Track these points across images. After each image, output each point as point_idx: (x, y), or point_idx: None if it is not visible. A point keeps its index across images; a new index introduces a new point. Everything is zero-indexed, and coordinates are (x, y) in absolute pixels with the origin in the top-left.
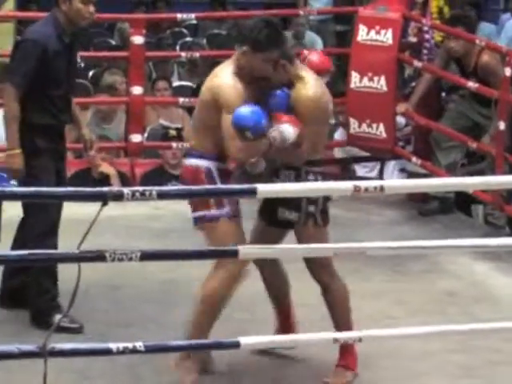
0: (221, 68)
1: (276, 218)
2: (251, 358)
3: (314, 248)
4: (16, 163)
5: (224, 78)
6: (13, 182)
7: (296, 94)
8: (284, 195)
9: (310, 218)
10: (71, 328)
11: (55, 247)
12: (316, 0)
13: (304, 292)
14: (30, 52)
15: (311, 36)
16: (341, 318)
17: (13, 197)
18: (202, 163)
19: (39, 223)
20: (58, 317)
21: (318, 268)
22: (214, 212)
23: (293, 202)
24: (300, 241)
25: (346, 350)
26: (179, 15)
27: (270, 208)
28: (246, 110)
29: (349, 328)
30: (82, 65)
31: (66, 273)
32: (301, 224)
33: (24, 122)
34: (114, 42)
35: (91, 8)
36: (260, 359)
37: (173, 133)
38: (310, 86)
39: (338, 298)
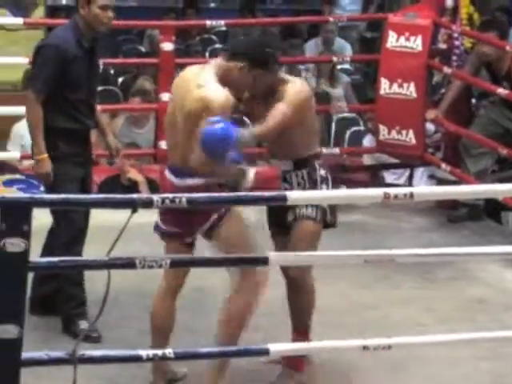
0: (200, 76)
1: (284, 221)
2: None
3: (344, 255)
4: (44, 168)
5: (214, 89)
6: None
7: (282, 93)
8: (314, 202)
9: (325, 213)
10: (91, 337)
11: (80, 255)
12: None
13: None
14: (50, 57)
15: (340, 42)
16: (307, 316)
17: (42, 203)
18: (209, 181)
19: (66, 231)
20: (83, 323)
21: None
22: None
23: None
24: (300, 235)
25: None
26: (208, 22)
27: (279, 212)
28: (217, 137)
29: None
30: (112, 71)
31: (95, 280)
32: (317, 220)
33: (46, 127)
34: (143, 49)
35: (110, 13)
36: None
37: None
38: (297, 83)
39: (311, 298)
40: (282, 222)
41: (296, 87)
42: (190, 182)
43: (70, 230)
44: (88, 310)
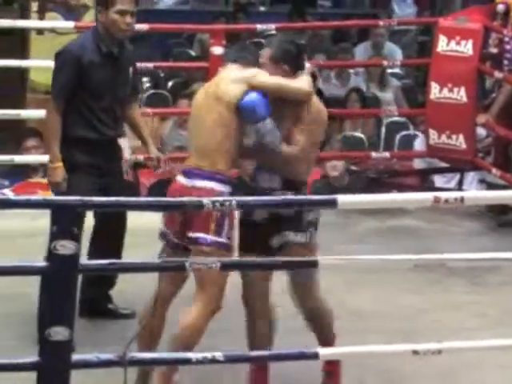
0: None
1: (269, 245)
2: None
3: (394, 260)
4: (56, 177)
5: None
6: None
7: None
8: (364, 207)
9: (313, 238)
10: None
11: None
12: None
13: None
14: (64, 63)
15: (390, 47)
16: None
17: (93, 206)
18: (220, 188)
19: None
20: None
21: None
22: (211, 237)
23: (298, 224)
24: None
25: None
26: (259, 26)
27: (264, 236)
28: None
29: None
30: (162, 75)
31: (141, 281)
32: (307, 245)
33: (64, 135)
34: (193, 53)
35: (128, 19)
36: None
37: None
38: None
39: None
40: (261, 246)
41: (321, 109)
42: (198, 183)
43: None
44: None
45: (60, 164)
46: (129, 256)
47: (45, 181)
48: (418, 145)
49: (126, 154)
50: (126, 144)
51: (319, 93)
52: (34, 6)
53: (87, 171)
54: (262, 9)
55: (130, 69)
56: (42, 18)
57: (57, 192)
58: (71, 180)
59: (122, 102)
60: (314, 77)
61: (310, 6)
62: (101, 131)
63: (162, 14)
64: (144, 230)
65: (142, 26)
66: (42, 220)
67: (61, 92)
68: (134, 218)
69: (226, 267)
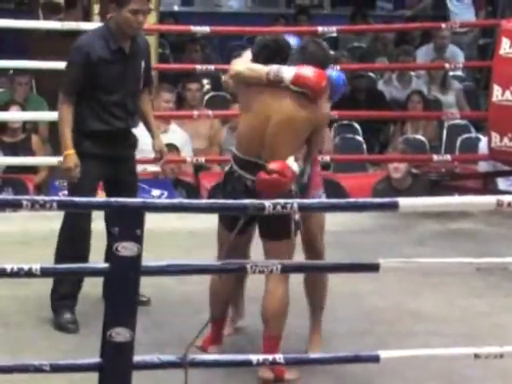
0: None
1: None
2: None
3: (456, 263)
4: (69, 162)
5: None
6: (154, 193)
7: None
8: (425, 210)
9: (297, 228)
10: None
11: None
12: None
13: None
14: (74, 59)
15: (452, 49)
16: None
17: (155, 208)
18: None
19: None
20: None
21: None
22: None
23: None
24: (274, 251)
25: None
26: (320, 28)
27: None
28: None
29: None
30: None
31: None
32: (291, 236)
33: (76, 128)
34: None
35: (140, 18)
36: None
37: None
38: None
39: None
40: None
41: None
42: None
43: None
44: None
45: (72, 151)
46: (191, 257)
47: None
48: (483, 147)
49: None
50: (188, 147)
51: (380, 95)
52: (96, 8)
53: (95, 161)
54: (324, 11)
55: (142, 63)
56: (104, 20)
57: (68, 180)
58: (81, 168)
59: (134, 96)
60: None
61: (370, 7)
62: (112, 124)
63: (224, 16)
64: (203, 231)
65: (204, 29)
66: (101, 221)
67: (71, 87)
68: (193, 221)
69: (287, 269)
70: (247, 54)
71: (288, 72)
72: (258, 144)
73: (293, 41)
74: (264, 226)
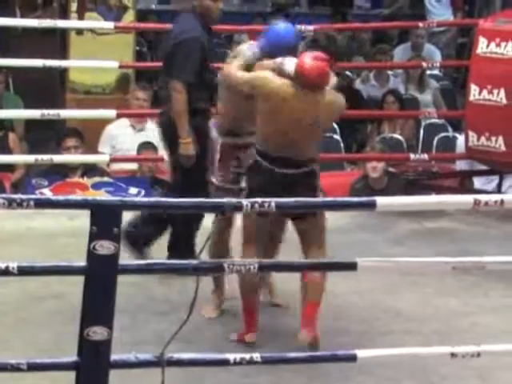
0: None
1: None
2: None
3: (433, 262)
4: (188, 150)
5: None
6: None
7: None
8: (403, 209)
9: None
10: None
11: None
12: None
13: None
14: (194, 48)
15: (430, 48)
16: None
17: (132, 207)
18: None
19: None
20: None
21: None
22: None
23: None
24: (311, 230)
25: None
26: (298, 27)
27: None
28: None
29: None
30: None
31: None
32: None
33: (190, 110)
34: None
35: (220, 4)
36: None
37: None
38: None
39: None
40: None
41: None
42: None
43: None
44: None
45: (190, 139)
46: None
47: (83, 181)
48: (461, 146)
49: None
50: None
51: (357, 94)
52: (74, 6)
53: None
54: (302, 10)
55: None
56: (81, 18)
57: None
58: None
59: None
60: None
61: (347, 6)
62: (210, 101)
63: None
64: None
65: None
66: (79, 220)
67: (192, 75)
68: None
69: (264, 268)
70: (243, 52)
71: (289, 65)
72: (289, 145)
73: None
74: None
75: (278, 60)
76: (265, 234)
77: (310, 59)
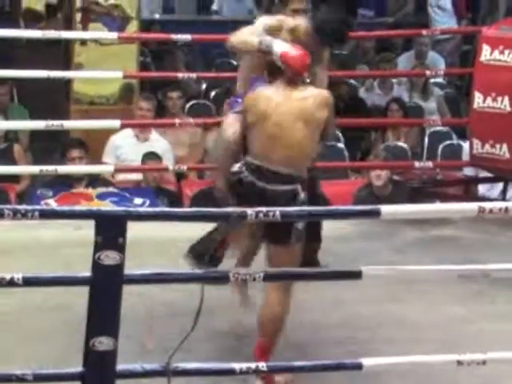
0: None
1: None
2: None
3: (438, 270)
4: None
5: None
6: (136, 201)
7: None
8: (407, 217)
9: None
10: None
11: None
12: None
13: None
14: None
15: (433, 56)
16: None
17: (137, 217)
18: None
19: None
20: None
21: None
22: None
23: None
24: (278, 256)
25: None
26: None
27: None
28: None
29: None
30: (204, 86)
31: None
32: (293, 240)
33: None
34: (235, 63)
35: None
36: None
37: None
38: None
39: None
40: None
41: None
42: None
43: None
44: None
45: None
46: (174, 266)
47: (88, 191)
48: (466, 154)
49: (168, 162)
50: (170, 155)
51: (361, 102)
52: (78, 17)
53: None
54: None
55: None
56: (85, 28)
57: None
58: None
59: None
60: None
61: (351, 15)
62: None
63: (206, 24)
64: (185, 239)
65: (186, 37)
66: (84, 230)
67: None
68: (175, 229)
69: (270, 278)
70: (258, 25)
71: (278, 47)
72: (280, 153)
73: None
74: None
75: (269, 38)
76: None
77: (294, 49)
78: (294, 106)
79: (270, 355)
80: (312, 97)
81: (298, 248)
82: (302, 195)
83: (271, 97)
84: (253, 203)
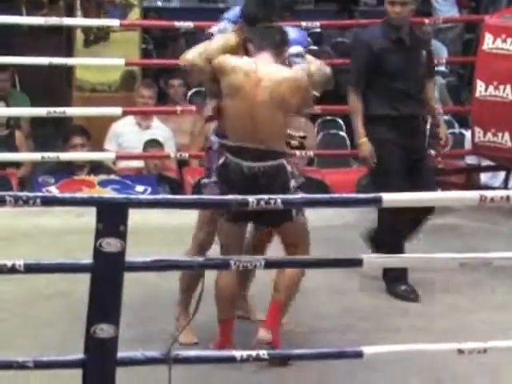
0: None
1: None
2: None
3: (439, 258)
4: (363, 151)
5: None
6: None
7: None
8: (409, 205)
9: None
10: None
11: None
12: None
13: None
14: (357, 52)
15: (436, 45)
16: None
17: (138, 204)
18: None
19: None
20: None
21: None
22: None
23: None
24: (287, 234)
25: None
26: (304, 23)
27: None
28: None
29: None
30: None
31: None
32: (294, 217)
33: (366, 114)
34: None
35: (396, 8)
36: None
37: (295, 143)
38: None
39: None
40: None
41: None
42: None
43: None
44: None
45: (365, 139)
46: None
47: (90, 178)
48: (469, 142)
49: (169, 149)
50: (171, 142)
51: None
52: (79, 4)
53: (391, 145)
54: (308, 7)
55: (423, 53)
56: (86, 15)
57: (368, 167)
58: (381, 157)
59: (417, 83)
60: None
61: (353, 3)
62: (397, 109)
63: (208, 11)
64: (186, 227)
65: (188, 24)
66: (86, 218)
67: (357, 79)
68: (176, 216)
69: (271, 265)
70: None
71: None
72: (253, 130)
73: (293, 33)
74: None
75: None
76: (240, 243)
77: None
78: (268, 90)
79: (284, 316)
80: (286, 81)
81: (302, 218)
82: (289, 168)
83: (247, 72)
84: (242, 186)
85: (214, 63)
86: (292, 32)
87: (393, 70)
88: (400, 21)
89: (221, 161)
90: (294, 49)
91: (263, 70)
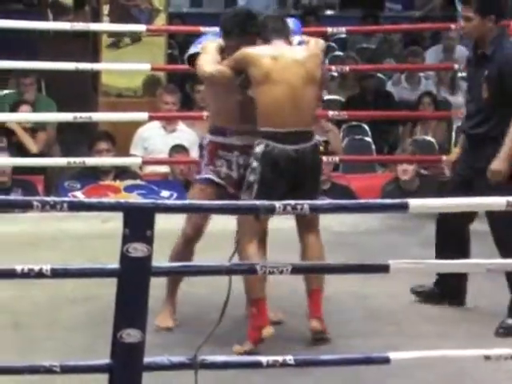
0: None
1: None
2: None
3: (467, 264)
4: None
5: None
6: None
7: None
8: (436, 211)
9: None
10: None
11: None
12: None
13: None
14: None
15: (461, 50)
16: None
17: (165, 209)
18: None
19: None
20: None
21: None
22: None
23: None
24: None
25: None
26: (329, 29)
27: None
28: None
29: None
30: None
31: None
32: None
33: None
34: None
35: (461, 23)
36: None
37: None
38: None
39: None
40: None
41: None
42: None
43: None
44: None
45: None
46: (201, 258)
47: (116, 184)
48: None
49: (195, 154)
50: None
51: (388, 96)
52: (106, 9)
53: None
54: (332, 12)
55: (486, 72)
56: (113, 21)
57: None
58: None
59: (479, 102)
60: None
61: (378, 9)
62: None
63: None
64: (212, 232)
65: (214, 29)
66: (112, 223)
67: None
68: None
69: (297, 270)
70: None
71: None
72: (292, 113)
73: (292, 23)
74: None
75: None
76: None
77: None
78: (301, 69)
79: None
80: (311, 57)
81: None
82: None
83: (274, 56)
84: (290, 170)
85: (237, 57)
86: (291, 22)
87: (469, 83)
88: (465, 35)
89: (259, 149)
90: (296, 38)
91: (288, 53)
